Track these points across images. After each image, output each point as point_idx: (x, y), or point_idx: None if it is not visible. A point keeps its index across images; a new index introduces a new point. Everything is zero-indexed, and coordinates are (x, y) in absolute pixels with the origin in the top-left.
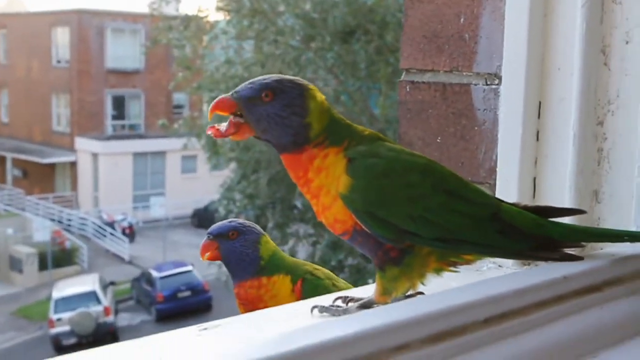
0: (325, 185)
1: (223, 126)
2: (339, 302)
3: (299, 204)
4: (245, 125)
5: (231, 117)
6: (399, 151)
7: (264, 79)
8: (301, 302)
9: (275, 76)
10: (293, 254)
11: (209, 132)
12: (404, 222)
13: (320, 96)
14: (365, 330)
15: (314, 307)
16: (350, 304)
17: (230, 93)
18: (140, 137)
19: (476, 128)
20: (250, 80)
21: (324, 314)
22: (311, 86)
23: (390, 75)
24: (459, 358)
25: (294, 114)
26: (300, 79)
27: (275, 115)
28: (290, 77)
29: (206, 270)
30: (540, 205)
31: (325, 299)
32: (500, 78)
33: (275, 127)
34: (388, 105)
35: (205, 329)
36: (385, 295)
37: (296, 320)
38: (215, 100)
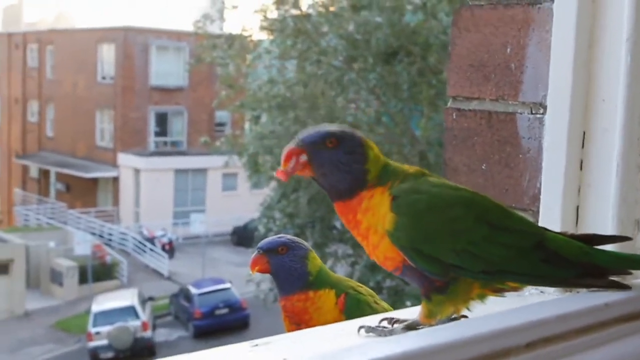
0: (372, 224)
1: (288, 167)
2: (385, 323)
3: (338, 224)
4: (309, 166)
5: (300, 160)
6: (442, 186)
7: (328, 128)
8: (348, 322)
9: (337, 125)
10: None
11: (278, 176)
12: (449, 256)
13: (375, 147)
14: (411, 351)
15: (361, 327)
16: (395, 325)
17: (295, 141)
18: (182, 154)
19: (521, 156)
20: (315, 127)
21: (370, 334)
22: (367, 139)
23: (433, 97)
24: None
25: (355, 161)
26: (356, 131)
27: (338, 162)
28: (349, 128)
29: (244, 288)
30: (585, 233)
31: (372, 320)
32: (545, 107)
33: (336, 172)
34: (430, 127)
35: (257, 345)
36: (430, 318)
37: (343, 339)
38: (284, 152)
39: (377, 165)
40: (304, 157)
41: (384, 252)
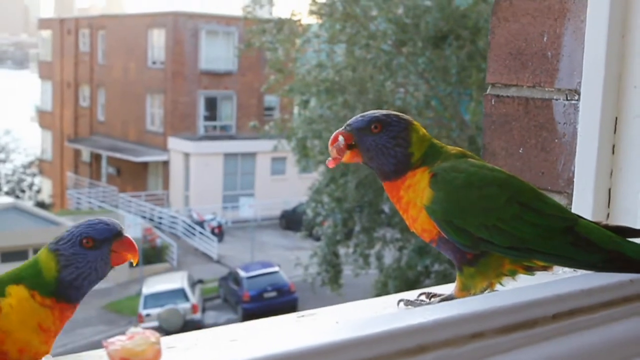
0: (412, 199)
1: (338, 152)
2: (423, 297)
3: (386, 208)
4: (356, 151)
5: (341, 142)
6: (480, 167)
7: (374, 113)
8: (388, 296)
9: (384, 111)
10: (379, 258)
11: (329, 163)
12: (479, 230)
13: (422, 129)
14: (444, 318)
15: (400, 300)
16: (432, 299)
17: (343, 126)
18: (231, 138)
19: (556, 140)
20: (362, 114)
21: (409, 307)
22: (415, 121)
23: (482, 81)
24: (528, 348)
25: (398, 145)
26: (405, 115)
27: (382, 146)
28: (396, 113)
29: (292, 272)
30: (618, 225)
31: (410, 294)
32: (579, 94)
33: (381, 156)
34: (479, 111)
35: (303, 316)
36: (464, 291)
37: (384, 311)
38: (333, 135)
39: (422, 147)
40: (342, 140)
41: (421, 224)
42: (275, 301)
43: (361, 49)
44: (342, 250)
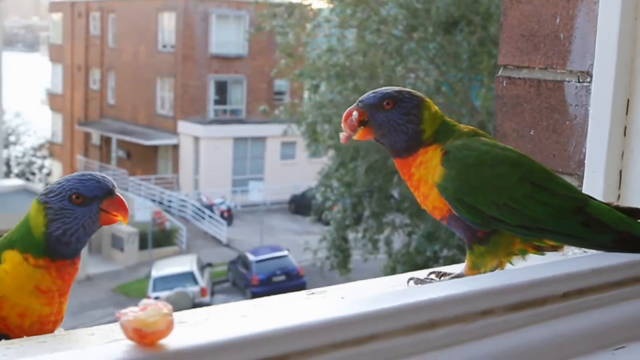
0: (423, 176)
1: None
2: (433, 276)
3: (395, 193)
4: (369, 128)
5: (354, 117)
6: (492, 145)
7: (386, 89)
8: (398, 275)
9: (396, 88)
10: (388, 243)
11: (342, 139)
12: (490, 208)
13: (434, 107)
14: (455, 295)
15: (410, 279)
16: (442, 278)
17: (355, 103)
18: (241, 122)
19: (568, 122)
20: (374, 90)
21: (419, 285)
22: (427, 99)
23: (493, 67)
24: (538, 326)
25: (410, 122)
26: (417, 92)
27: (394, 122)
28: (409, 89)
29: (301, 256)
30: (630, 206)
31: (421, 273)
32: (592, 76)
33: (392, 132)
34: (490, 97)
35: (313, 293)
36: (475, 270)
37: (393, 289)
38: (346, 111)
39: (433, 125)
40: (356, 115)
41: (432, 202)
42: (284, 285)
43: (372, 33)
44: (351, 235)
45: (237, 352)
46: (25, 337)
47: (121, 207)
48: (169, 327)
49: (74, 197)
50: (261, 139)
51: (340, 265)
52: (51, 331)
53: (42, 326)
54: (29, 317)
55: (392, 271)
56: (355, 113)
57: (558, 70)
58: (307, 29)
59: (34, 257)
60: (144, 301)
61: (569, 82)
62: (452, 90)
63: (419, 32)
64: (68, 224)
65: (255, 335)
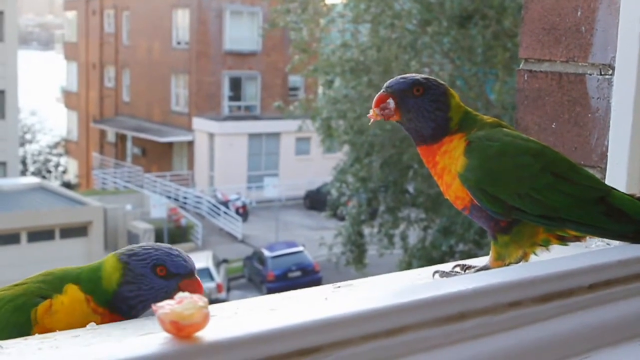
0: (447, 165)
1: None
2: (458, 269)
3: (410, 188)
4: (396, 110)
5: (390, 106)
6: (515, 136)
7: (414, 76)
8: (424, 268)
9: (421, 75)
10: (404, 238)
11: (371, 118)
12: (511, 198)
13: (457, 96)
14: (484, 287)
15: (435, 272)
16: (467, 271)
17: (384, 89)
18: (256, 118)
19: (590, 115)
20: (402, 76)
21: (440, 279)
22: (449, 87)
23: (508, 61)
24: (565, 317)
25: (439, 109)
26: (439, 80)
27: (424, 109)
28: (434, 78)
29: (317, 252)
30: None
31: (446, 266)
32: (614, 69)
33: (421, 118)
34: (504, 91)
35: (339, 287)
36: (499, 261)
37: (420, 282)
38: (376, 97)
39: (459, 113)
40: (392, 103)
41: (455, 191)
42: (299, 281)
43: (386, 28)
44: (366, 230)
45: (273, 343)
46: (58, 332)
47: (199, 289)
48: (205, 319)
49: (158, 269)
50: (276, 135)
51: (356, 261)
52: None
53: None
54: None
55: (408, 266)
56: (391, 101)
57: (580, 63)
58: (321, 24)
59: (95, 302)
60: (180, 294)
61: (590, 74)
62: (467, 84)
63: (433, 26)
64: (143, 291)
65: (290, 327)
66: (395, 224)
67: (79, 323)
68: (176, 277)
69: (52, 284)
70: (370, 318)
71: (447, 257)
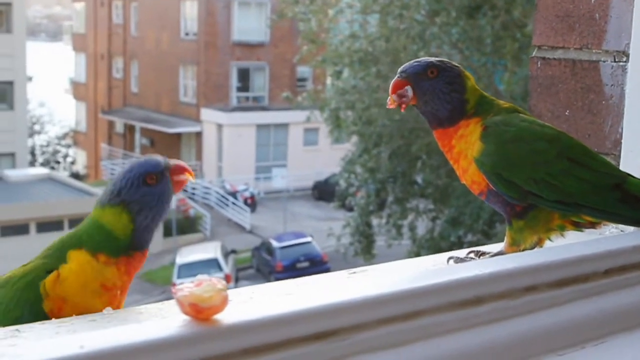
0: (463, 150)
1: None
2: (472, 255)
3: (419, 179)
4: (413, 94)
5: (408, 93)
6: (531, 122)
7: (429, 59)
8: (438, 255)
9: (435, 58)
10: (412, 228)
11: (390, 104)
12: (527, 183)
13: (472, 77)
14: (500, 271)
15: (450, 258)
16: (481, 257)
17: (398, 74)
18: (264, 109)
19: (603, 102)
20: (416, 59)
21: (456, 264)
22: (465, 70)
23: (517, 51)
24: (581, 302)
25: (455, 90)
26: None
27: (439, 91)
28: (448, 60)
29: (325, 242)
30: None
31: (460, 252)
32: (628, 55)
33: (436, 100)
34: (514, 81)
35: (354, 272)
36: (514, 246)
37: (434, 268)
38: (392, 83)
39: (475, 96)
40: (409, 90)
41: (471, 176)
42: (308, 271)
43: (394, 19)
44: (374, 221)
45: (291, 326)
46: (75, 316)
47: (184, 169)
48: (224, 302)
49: (148, 179)
50: (284, 126)
51: (364, 251)
52: None
53: None
54: None
55: (416, 256)
56: (408, 88)
57: (593, 50)
58: (330, 14)
59: (106, 256)
60: (199, 277)
61: (604, 62)
62: (476, 75)
63: (441, 17)
64: (154, 207)
65: (308, 310)
66: (404, 214)
67: (92, 282)
68: (164, 174)
69: (55, 257)
70: (387, 302)
71: (455, 247)
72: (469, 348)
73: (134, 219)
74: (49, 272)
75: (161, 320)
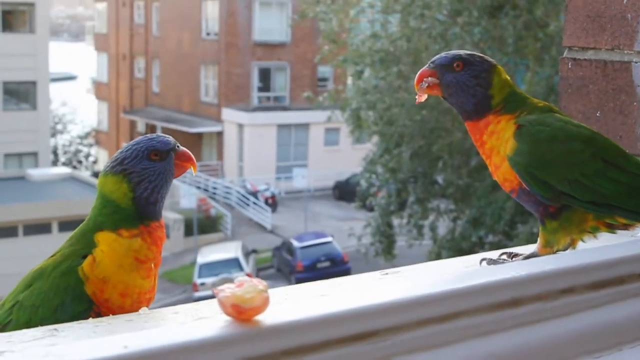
0: (495, 146)
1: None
2: (505, 257)
3: (440, 179)
4: (438, 87)
5: (430, 82)
6: (566, 122)
7: (458, 52)
8: (471, 256)
9: (469, 51)
10: (433, 228)
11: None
12: (561, 184)
13: (504, 73)
14: (537, 273)
15: (483, 259)
16: (514, 259)
17: (427, 64)
18: (285, 109)
19: (635, 104)
20: (447, 52)
21: (492, 266)
22: (498, 65)
23: (539, 51)
24: (617, 305)
25: (479, 85)
26: (489, 57)
27: (463, 84)
28: (481, 54)
29: (346, 242)
30: None
31: (493, 254)
32: None
33: (460, 93)
34: (535, 81)
35: (387, 274)
36: (548, 247)
37: (467, 269)
38: (418, 74)
39: (503, 92)
40: (433, 79)
41: (503, 173)
42: (328, 271)
43: (416, 18)
44: (395, 221)
45: (332, 327)
46: (111, 315)
47: (190, 157)
48: (265, 303)
49: (152, 154)
50: (305, 126)
51: (385, 251)
52: None
53: (140, 305)
54: (130, 295)
55: (437, 257)
56: (431, 78)
57: (625, 51)
58: (351, 14)
59: (127, 230)
60: (240, 278)
61: (636, 62)
62: None
63: (463, 17)
64: (153, 182)
65: (348, 311)
66: (425, 214)
67: (126, 258)
68: (169, 153)
69: (83, 244)
70: (427, 303)
71: (476, 248)
72: (505, 350)
73: (133, 188)
74: (84, 257)
75: (203, 320)
